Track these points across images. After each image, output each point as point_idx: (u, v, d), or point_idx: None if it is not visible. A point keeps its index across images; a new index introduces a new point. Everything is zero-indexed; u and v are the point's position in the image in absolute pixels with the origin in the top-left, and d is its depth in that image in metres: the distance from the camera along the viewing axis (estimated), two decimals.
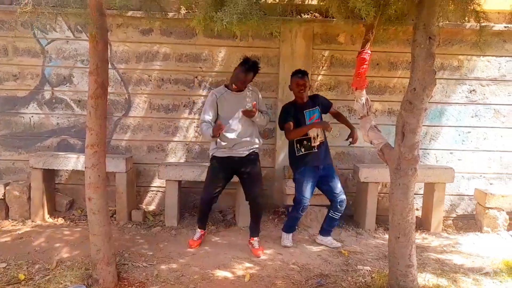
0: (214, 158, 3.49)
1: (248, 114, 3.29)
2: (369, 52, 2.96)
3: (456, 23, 4.17)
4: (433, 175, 4.15)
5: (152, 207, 4.58)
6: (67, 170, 4.27)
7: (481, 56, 4.47)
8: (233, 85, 3.36)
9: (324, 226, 3.73)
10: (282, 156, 4.43)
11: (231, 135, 3.37)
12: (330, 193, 3.60)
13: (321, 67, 4.48)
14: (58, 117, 4.45)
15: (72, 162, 4.08)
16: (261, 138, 3.59)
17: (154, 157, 4.53)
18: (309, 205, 3.62)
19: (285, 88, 4.31)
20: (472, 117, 4.58)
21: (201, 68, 4.44)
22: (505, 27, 4.34)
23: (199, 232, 3.66)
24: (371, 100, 3.04)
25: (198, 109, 4.47)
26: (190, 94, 4.47)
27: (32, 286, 2.78)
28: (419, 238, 3.97)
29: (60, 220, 4.16)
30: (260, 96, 3.57)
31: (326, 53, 4.47)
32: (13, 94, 4.39)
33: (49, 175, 4.26)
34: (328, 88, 4.48)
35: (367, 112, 2.96)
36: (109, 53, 3.23)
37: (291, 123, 3.52)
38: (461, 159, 4.62)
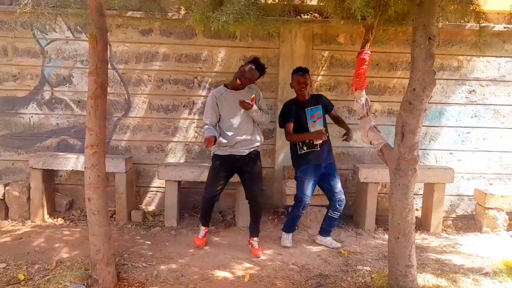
0: (215, 156, 3.49)
1: (244, 105, 3.26)
2: (369, 52, 2.96)
3: (456, 23, 4.19)
4: (433, 176, 4.15)
5: (151, 208, 4.58)
6: (67, 170, 4.26)
7: (481, 57, 4.47)
8: (238, 80, 3.30)
9: (323, 226, 3.74)
10: (282, 156, 4.43)
11: (231, 134, 3.37)
12: (329, 192, 3.61)
13: (320, 68, 4.48)
14: (57, 118, 4.45)
15: (72, 162, 4.08)
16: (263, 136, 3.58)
17: (154, 157, 4.53)
18: (309, 206, 3.62)
19: (284, 88, 4.32)
20: (471, 117, 4.58)
21: (200, 68, 4.44)
22: (504, 27, 4.35)
23: (203, 230, 3.66)
24: (371, 101, 3.04)
25: (198, 109, 4.48)
26: (190, 94, 4.47)
27: (31, 286, 2.77)
28: (418, 238, 3.97)
29: (60, 221, 4.16)
30: (261, 94, 3.54)
31: (326, 53, 4.47)
32: (13, 94, 4.39)
33: (49, 175, 4.26)
34: (328, 88, 4.48)
35: (367, 112, 2.96)
36: (108, 54, 3.23)
37: (292, 124, 3.53)
38: (461, 160, 4.62)
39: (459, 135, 4.60)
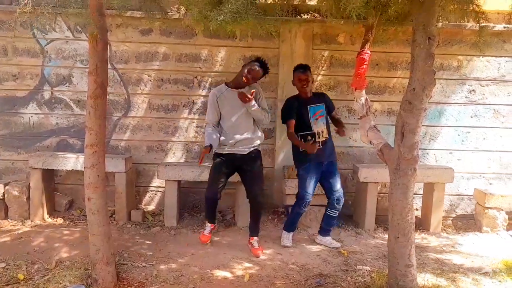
0: (216, 155, 3.50)
1: (243, 97, 3.24)
2: (369, 52, 2.96)
3: (456, 23, 4.19)
4: (433, 175, 4.15)
5: (151, 207, 4.58)
6: (67, 170, 4.26)
7: (481, 56, 4.47)
8: (243, 78, 3.27)
9: (322, 225, 3.74)
10: (282, 156, 4.43)
11: (232, 132, 3.37)
12: (328, 190, 3.61)
13: (320, 67, 4.48)
14: (57, 117, 4.44)
15: (72, 162, 4.08)
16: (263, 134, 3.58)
17: (154, 157, 4.53)
18: (309, 205, 3.63)
19: (284, 88, 4.32)
20: (471, 117, 4.58)
21: (200, 68, 4.44)
22: (504, 27, 4.35)
23: (209, 226, 3.66)
24: (371, 100, 3.04)
25: (198, 109, 4.48)
26: (190, 94, 4.47)
27: (31, 286, 2.77)
28: (418, 238, 3.97)
29: (60, 220, 4.16)
30: (262, 93, 3.53)
31: (326, 53, 4.47)
32: (13, 94, 4.39)
33: (49, 175, 4.26)
34: (328, 88, 4.48)
35: (367, 112, 2.96)
36: (108, 53, 3.22)
37: (293, 121, 3.54)
38: (461, 159, 4.62)
39: (459, 135, 4.60)
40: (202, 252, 3.49)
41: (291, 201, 3.88)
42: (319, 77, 4.48)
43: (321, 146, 3.55)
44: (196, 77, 4.46)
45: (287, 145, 4.10)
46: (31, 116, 4.43)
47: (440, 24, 4.05)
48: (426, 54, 2.44)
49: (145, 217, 4.29)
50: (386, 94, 4.54)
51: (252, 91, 3.28)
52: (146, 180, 4.56)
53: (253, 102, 3.30)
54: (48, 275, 2.92)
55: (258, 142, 3.49)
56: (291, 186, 4.04)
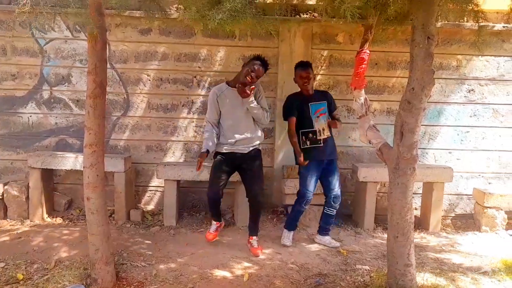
0: (216, 154, 3.50)
1: (242, 90, 3.23)
2: (368, 51, 2.96)
3: (455, 23, 4.19)
4: (432, 175, 4.15)
5: (150, 207, 4.58)
6: (66, 169, 4.25)
7: (480, 56, 4.48)
8: (247, 78, 3.25)
9: (321, 224, 3.74)
10: (281, 156, 4.43)
11: (232, 132, 3.37)
12: (326, 188, 3.63)
13: (320, 67, 4.48)
14: (56, 117, 4.44)
15: (71, 161, 4.08)
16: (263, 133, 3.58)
17: (153, 156, 4.53)
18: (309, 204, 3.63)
19: (284, 87, 4.32)
20: (470, 116, 4.59)
21: (199, 67, 4.44)
22: (503, 27, 4.35)
23: (214, 224, 3.66)
24: (370, 100, 3.04)
25: (197, 108, 4.47)
26: (189, 93, 4.47)
27: (30, 286, 2.77)
28: (417, 237, 3.97)
29: (59, 220, 4.16)
30: (262, 91, 3.51)
31: (325, 52, 4.47)
32: (12, 93, 4.38)
33: (48, 174, 4.25)
34: (327, 87, 4.48)
35: (366, 111, 2.96)
36: (107, 53, 3.21)
37: (294, 119, 3.55)
38: (460, 159, 4.62)
39: (458, 134, 4.60)
40: (202, 251, 3.49)
41: (290, 200, 3.88)
42: (318, 77, 4.48)
43: (322, 144, 3.55)
44: (195, 77, 4.45)
45: (286, 145, 4.10)
46: (30, 116, 4.42)
47: (439, 24, 4.05)
48: (425, 54, 2.44)
49: (144, 216, 4.29)
50: (385, 94, 4.54)
51: (252, 87, 3.28)
52: (145, 179, 4.56)
53: (252, 98, 3.30)
54: (47, 274, 2.92)
55: (258, 141, 3.49)
56: (291, 186, 4.04)
